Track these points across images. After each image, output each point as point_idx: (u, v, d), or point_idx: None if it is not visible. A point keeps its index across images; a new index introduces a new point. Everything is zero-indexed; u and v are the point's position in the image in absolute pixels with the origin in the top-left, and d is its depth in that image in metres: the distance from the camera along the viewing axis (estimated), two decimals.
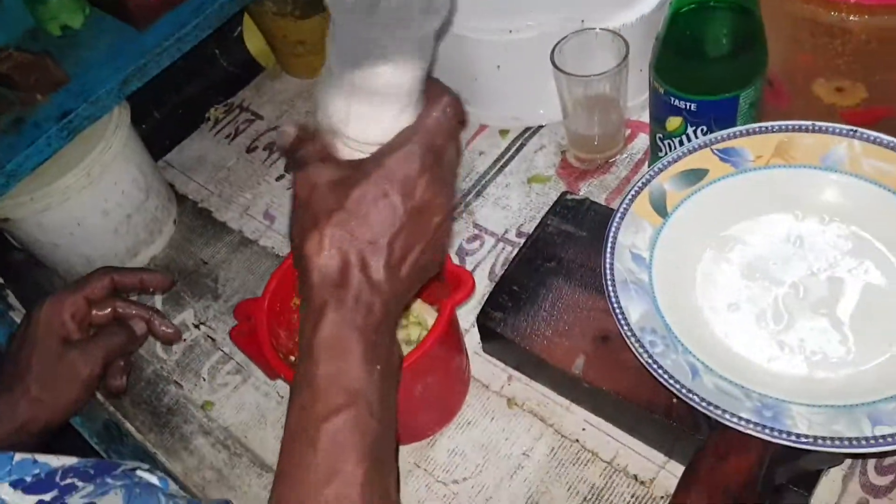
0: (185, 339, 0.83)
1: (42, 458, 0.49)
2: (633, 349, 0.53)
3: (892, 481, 0.60)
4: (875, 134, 0.59)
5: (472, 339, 0.74)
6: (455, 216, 0.50)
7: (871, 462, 0.61)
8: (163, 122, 1.04)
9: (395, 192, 0.45)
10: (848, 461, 0.61)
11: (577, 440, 0.67)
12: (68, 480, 0.48)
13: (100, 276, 0.72)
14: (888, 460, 0.60)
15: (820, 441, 0.47)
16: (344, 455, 0.42)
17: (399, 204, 0.45)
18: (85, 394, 0.68)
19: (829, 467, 0.60)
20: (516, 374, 0.72)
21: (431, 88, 0.48)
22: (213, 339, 0.82)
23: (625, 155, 0.84)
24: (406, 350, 0.55)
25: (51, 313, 0.68)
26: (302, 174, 0.47)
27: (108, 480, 0.51)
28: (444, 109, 0.48)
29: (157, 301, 0.87)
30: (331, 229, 0.44)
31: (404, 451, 0.69)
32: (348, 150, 0.48)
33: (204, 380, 0.80)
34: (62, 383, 0.67)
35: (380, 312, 0.45)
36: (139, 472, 0.54)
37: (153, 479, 0.54)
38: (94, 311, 0.72)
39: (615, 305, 0.55)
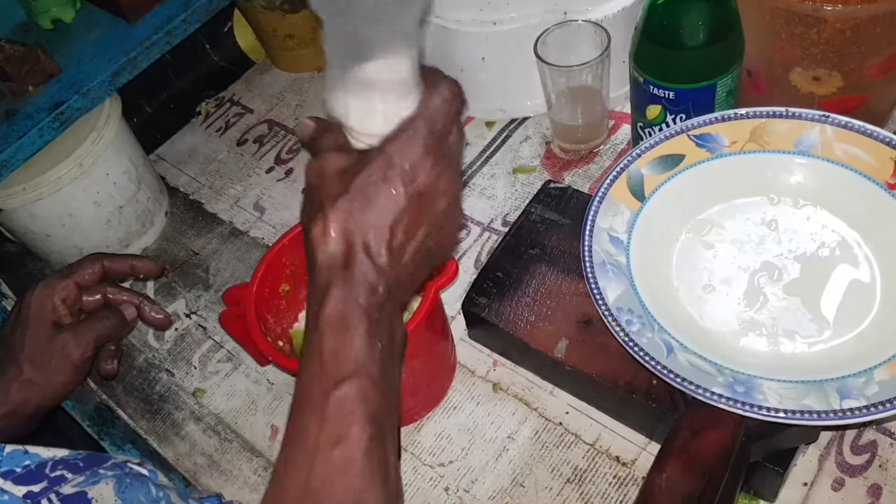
0: (176, 329, 0.84)
1: (33, 449, 0.50)
2: (610, 327, 0.54)
3: (867, 460, 0.61)
4: (846, 119, 0.60)
5: (458, 327, 0.75)
6: (461, 202, 0.51)
7: (847, 441, 0.62)
8: (155, 116, 1.06)
9: (396, 176, 0.46)
10: (823, 440, 0.62)
11: (561, 423, 0.68)
12: (58, 472, 0.49)
13: (91, 262, 0.73)
14: (863, 439, 0.62)
15: (790, 414, 0.48)
16: (349, 421, 0.44)
17: (401, 188, 0.46)
18: (76, 376, 0.70)
19: (806, 444, 0.61)
20: (501, 359, 0.73)
21: (430, 75, 0.50)
22: (204, 328, 0.84)
23: (608, 145, 0.86)
24: None
25: (42, 297, 0.70)
26: (313, 163, 0.48)
27: (100, 471, 0.52)
28: (443, 94, 0.49)
29: (149, 289, 0.88)
30: (335, 214, 0.46)
31: None
32: (358, 143, 0.50)
33: (195, 367, 0.81)
34: (53, 365, 0.68)
35: (383, 293, 0.46)
36: (129, 465, 0.55)
37: (143, 471, 0.55)
38: (84, 297, 0.73)
39: (593, 286, 0.57)
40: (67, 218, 0.84)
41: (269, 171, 0.96)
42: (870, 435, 0.62)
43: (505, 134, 0.90)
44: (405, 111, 0.48)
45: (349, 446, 0.43)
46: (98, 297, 0.74)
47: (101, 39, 0.85)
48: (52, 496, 0.47)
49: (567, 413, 0.68)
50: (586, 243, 0.59)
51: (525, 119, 0.91)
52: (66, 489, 0.48)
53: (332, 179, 0.47)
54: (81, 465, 0.51)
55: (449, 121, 0.49)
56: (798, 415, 0.48)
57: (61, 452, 0.51)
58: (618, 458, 0.65)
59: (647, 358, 0.52)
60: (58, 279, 0.71)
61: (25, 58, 0.80)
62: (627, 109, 0.81)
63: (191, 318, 0.85)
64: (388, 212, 0.46)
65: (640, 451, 0.65)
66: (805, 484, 0.60)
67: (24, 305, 0.70)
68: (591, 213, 0.60)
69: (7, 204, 0.80)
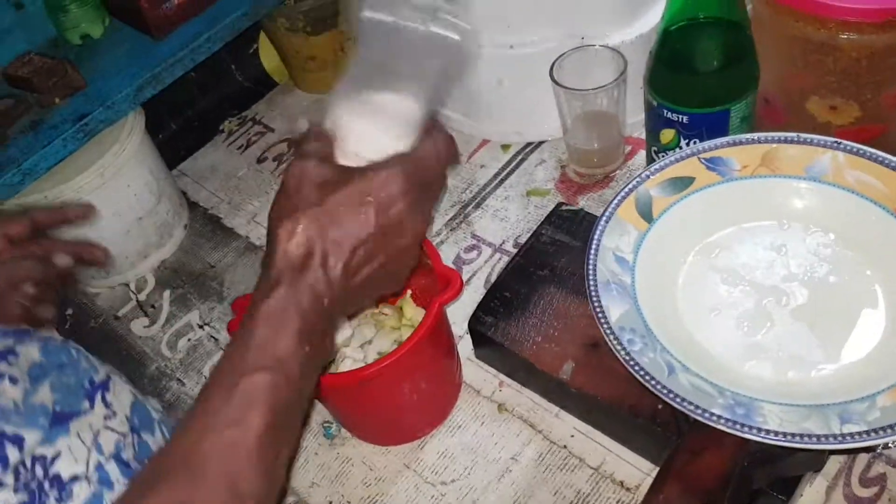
0: (189, 339, 0.85)
1: None
2: (612, 346, 0.54)
3: (875, 493, 0.60)
4: (858, 146, 0.60)
5: (465, 346, 0.75)
6: (420, 245, 0.53)
7: (856, 473, 0.61)
8: (179, 133, 1.08)
9: (371, 204, 0.48)
10: (832, 470, 0.61)
11: (565, 446, 0.67)
12: None
13: (19, 216, 0.69)
14: (872, 472, 0.61)
15: (789, 437, 0.48)
16: (251, 407, 0.44)
17: (372, 217, 0.48)
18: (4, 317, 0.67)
19: (813, 471, 0.60)
20: (508, 380, 0.73)
21: (431, 126, 0.52)
22: (216, 339, 0.84)
23: (624, 170, 0.86)
24: None
25: None
26: (297, 165, 0.50)
27: (25, 338, 0.56)
28: (437, 146, 0.52)
29: (165, 300, 0.89)
30: (305, 221, 0.48)
31: (394, 452, 0.70)
32: (345, 160, 0.52)
33: (206, 378, 0.81)
34: None
35: (327, 304, 0.48)
36: (54, 338, 0.58)
37: (67, 345, 0.58)
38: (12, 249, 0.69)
39: (596, 304, 0.56)
40: (87, 227, 0.85)
41: None
42: (879, 467, 0.61)
43: (520, 157, 0.91)
44: (400, 148, 0.50)
45: (243, 431, 0.44)
46: (34, 251, 0.69)
47: (128, 55, 0.88)
48: None
49: (572, 436, 0.68)
50: (591, 262, 0.59)
51: (541, 143, 0.91)
52: None
53: (312, 187, 0.49)
54: (11, 333, 0.56)
55: (435, 171, 0.52)
56: (797, 438, 0.47)
57: None
58: (622, 483, 0.64)
59: (647, 377, 0.52)
60: None
61: (53, 70, 0.82)
62: (644, 135, 0.81)
63: (203, 329, 0.86)
64: (354, 234, 0.48)
65: (644, 476, 0.64)
66: None
67: None
68: (598, 232, 0.60)
69: None
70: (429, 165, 0.51)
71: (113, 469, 0.54)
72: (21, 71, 0.82)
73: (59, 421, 0.53)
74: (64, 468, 0.51)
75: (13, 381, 0.52)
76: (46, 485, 0.50)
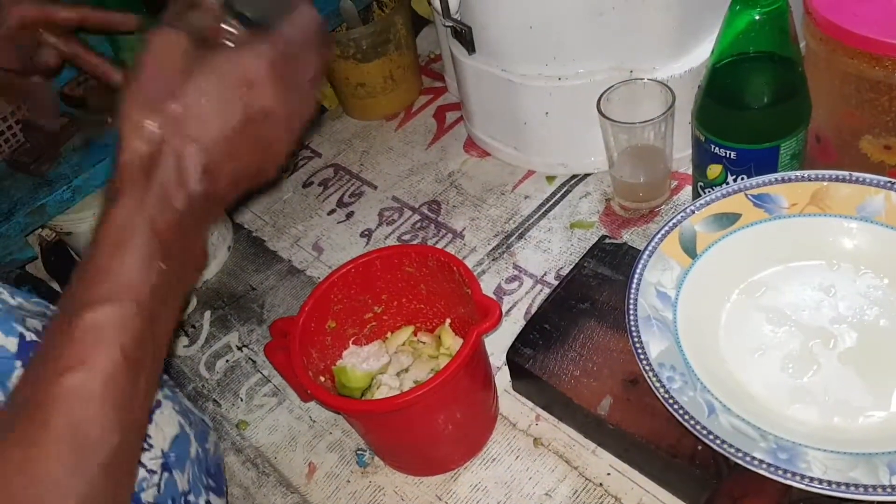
0: (227, 360, 0.86)
1: None
2: (650, 383, 0.53)
3: None
4: None
5: (502, 378, 0.74)
6: (297, 129, 0.47)
7: None
8: None
9: (236, 93, 0.43)
10: None
11: (601, 484, 0.66)
12: None
13: (73, 6, 0.69)
14: None
15: (835, 486, 0.46)
16: (97, 347, 0.40)
17: (238, 108, 0.43)
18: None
19: None
20: (544, 414, 0.71)
21: (297, 3, 0.47)
22: (253, 362, 0.85)
23: (669, 205, 0.84)
24: None
25: None
26: (163, 33, 0.44)
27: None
28: (302, 20, 0.46)
29: (206, 320, 0.90)
30: (157, 115, 0.41)
31: (426, 483, 0.69)
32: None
33: (241, 400, 0.81)
34: None
35: (181, 209, 0.42)
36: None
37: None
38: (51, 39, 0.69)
39: (636, 340, 0.55)
40: None
41: (330, 213, 0.98)
42: None
43: (565, 189, 0.90)
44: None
45: (88, 374, 0.40)
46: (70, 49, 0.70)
47: None
48: None
49: (608, 474, 0.66)
50: (632, 296, 0.58)
51: (586, 175, 0.90)
52: None
53: (171, 68, 0.42)
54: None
55: (303, 46, 0.46)
56: (843, 487, 0.46)
57: None
58: None
59: (686, 416, 0.51)
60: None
61: (107, 90, 0.84)
62: (691, 171, 0.80)
63: (242, 351, 0.86)
64: (217, 128, 0.42)
65: None
66: None
67: None
68: (640, 266, 0.60)
69: (77, 228, 0.83)
70: (296, 40, 0.45)
71: None
72: (76, 91, 0.85)
73: None
74: None
75: None
76: None
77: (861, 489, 0.46)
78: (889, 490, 0.45)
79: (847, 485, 0.46)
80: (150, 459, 0.53)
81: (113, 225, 0.41)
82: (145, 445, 0.53)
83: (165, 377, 0.57)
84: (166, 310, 0.43)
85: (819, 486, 0.46)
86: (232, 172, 0.44)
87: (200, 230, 0.45)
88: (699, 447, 0.58)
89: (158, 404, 0.56)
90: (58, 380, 0.39)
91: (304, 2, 0.47)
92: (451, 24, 0.87)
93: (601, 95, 0.78)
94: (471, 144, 0.99)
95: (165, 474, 0.54)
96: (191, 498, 0.57)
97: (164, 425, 0.55)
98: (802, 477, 0.47)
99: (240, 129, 0.43)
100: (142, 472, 0.52)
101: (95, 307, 0.40)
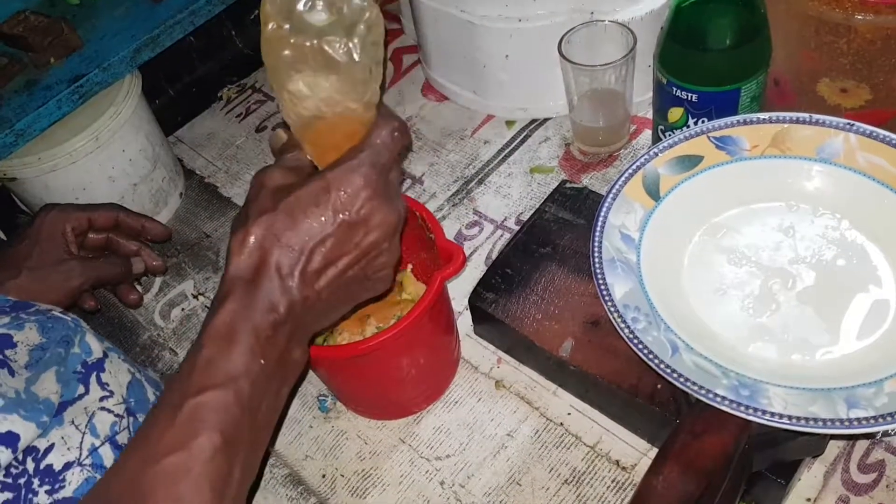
0: (182, 309, 0.84)
1: None
2: (615, 324, 0.53)
3: (874, 479, 0.59)
4: (871, 128, 0.59)
5: (464, 323, 0.74)
6: (398, 238, 0.51)
7: (854, 459, 0.60)
8: (176, 99, 1.06)
9: (329, 202, 0.46)
10: (830, 456, 0.60)
11: (562, 424, 0.67)
12: None
13: (108, 208, 0.76)
14: (871, 458, 0.60)
15: (794, 420, 0.47)
16: (197, 429, 0.43)
17: (330, 215, 0.46)
18: (63, 302, 0.71)
19: (812, 458, 0.59)
20: (506, 357, 0.72)
21: (383, 112, 0.50)
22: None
23: (628, 150, 0.84)
24: None
25: (56, 220, 0.72)
26: (259, 175, 0.49)
27: (23, 315, 0.55)
28: (391, 131, 0.49)
29: (157, 280, 0.88)
30: (256, 228, 0.46)
31: (389, 426, 0.70)
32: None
33: None
34: (50, 283, 0.70)
35: (283, 313, 0.46)
36: (54, 312, 0.57)
37: (66, 317, 0.57)
38: (90, 234, 0.76)
39: (600, 281, 0.55)
40: (81, 191, 0.84)
41: None
42: (878, 454, 0.60)
43: (525, 134, 0.89)
44: (351, 103, 0.48)
45: (188, 456, 0.42)
46: (102, 237, 0.77)
47: (126, 16, 0.86)
48: None
49: (569, 414, 0.67)
50: (596, 239, 0.58)
51: (546, 120, 0.90)
52: None
53: (267, 195, 0.47)
54: (8, 308, 0.55)
55: (393, 157, 0.50)
56: (803, 422, 0.47)
57: None
58: (618, 462, 0.64)
59: (650, 356, 0.51)
60: (74, 210, 0.74)
61: (49, 30, 0.80)
62: (650, 115, 0.80)
63: (198, 300, 0.84)
64: (311, 235, 0.46)
65: (641, 456, 0.63)
66: (809, 500, 0.59)
67: (36, 222, 0.72)
68: (604, 209, 0.60)
69: (22, 173, 0.80)
70: (386, 152, 0.49)
71: (107, 452, 0.53)
72: (16, 29, 0.80)
73: (56, 412, 0.51)
74: (56, 459, 0.50)
75: (11, 372, 0.51)
76: (36, 481, 0.49)
77: (820, 423, 0.47)
78: (847, 423, 0.46)
79: (807, 419, 0.47)
80: (115, 405, 0.55)
81: (219, 325, 0.45)
82: (106, 392, 0.55)
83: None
84: (266, 402, 0.47)
85: (780, 420, 0.47)
86: (331, 278, 0.48)
87: (303, 336, 0.49)
88: (659, 386, 0.59)
89: (106, 356, 0.58)
90: (160, 461, 0.42)
91: (391, 115, 0.50)
92: None
93: (562, 38, 0.77)
94: (429, 88, 0.98)
95: (130, 418, 0.56)
96: None
97: (116, 373, 0.57)
98: (763, 412, 0.48)
99: (333, 235, 0.47)
100: (112, 417, 0.54)
101: (198, 395, 0.43)
